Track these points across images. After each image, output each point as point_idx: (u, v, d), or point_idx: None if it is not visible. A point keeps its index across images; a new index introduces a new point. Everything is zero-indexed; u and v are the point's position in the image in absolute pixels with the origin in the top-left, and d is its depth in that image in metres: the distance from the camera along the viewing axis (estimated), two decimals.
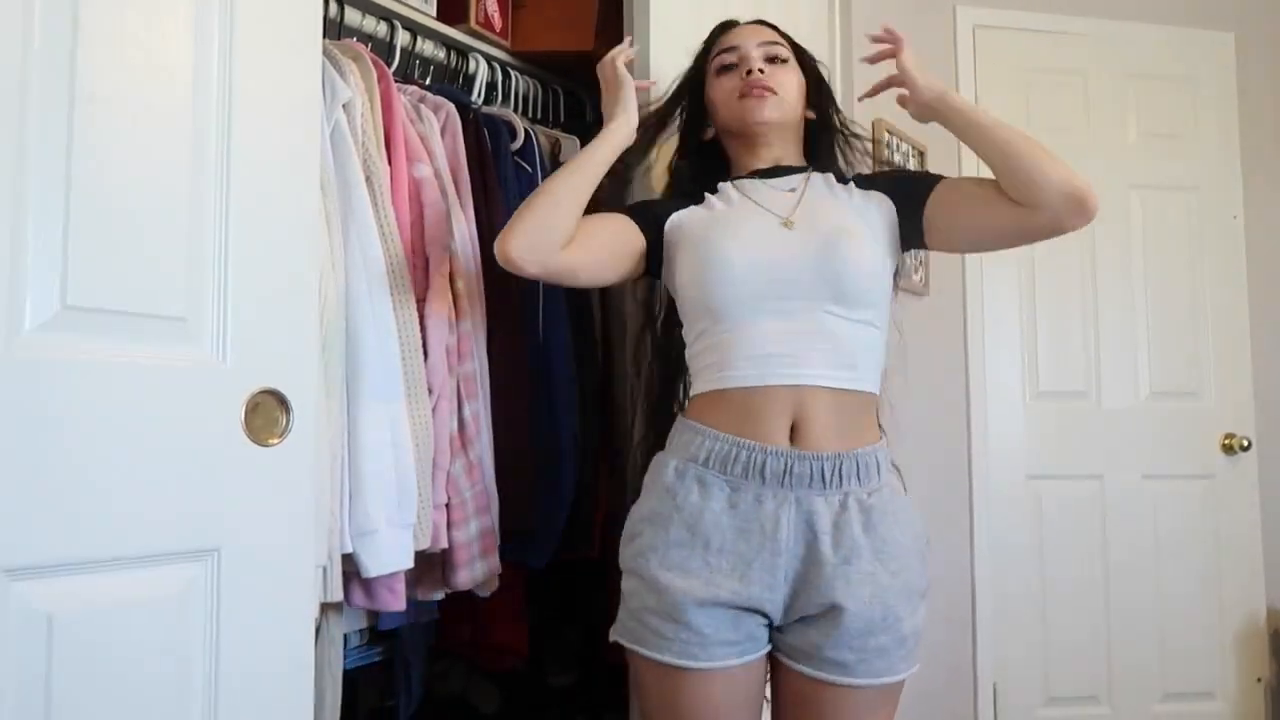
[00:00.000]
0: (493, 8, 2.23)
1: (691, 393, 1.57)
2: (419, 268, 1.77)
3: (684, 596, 1.40)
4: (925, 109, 1.60)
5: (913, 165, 2.98)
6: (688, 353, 1.59)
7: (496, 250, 1.52)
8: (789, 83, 1.66)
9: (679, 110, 1.79)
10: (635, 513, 1.53)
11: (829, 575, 1.41)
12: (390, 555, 1.61)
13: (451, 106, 1.94)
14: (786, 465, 1.43)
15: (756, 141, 1.66)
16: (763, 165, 1.67)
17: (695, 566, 1.42)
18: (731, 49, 1.68)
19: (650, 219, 1.64)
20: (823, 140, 1.76)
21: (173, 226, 1.26)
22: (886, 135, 2.82)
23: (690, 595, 1.40)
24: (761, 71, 1.63)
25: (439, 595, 1.83)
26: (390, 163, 1.73)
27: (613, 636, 1.49)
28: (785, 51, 1.69)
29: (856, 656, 1.41)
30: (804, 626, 1.44)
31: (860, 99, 1.83)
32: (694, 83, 1.75)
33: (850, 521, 1.43)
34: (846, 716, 1.44)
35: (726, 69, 1.67)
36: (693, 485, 1.46)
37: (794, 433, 1.45)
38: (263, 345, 1.35)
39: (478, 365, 1.85)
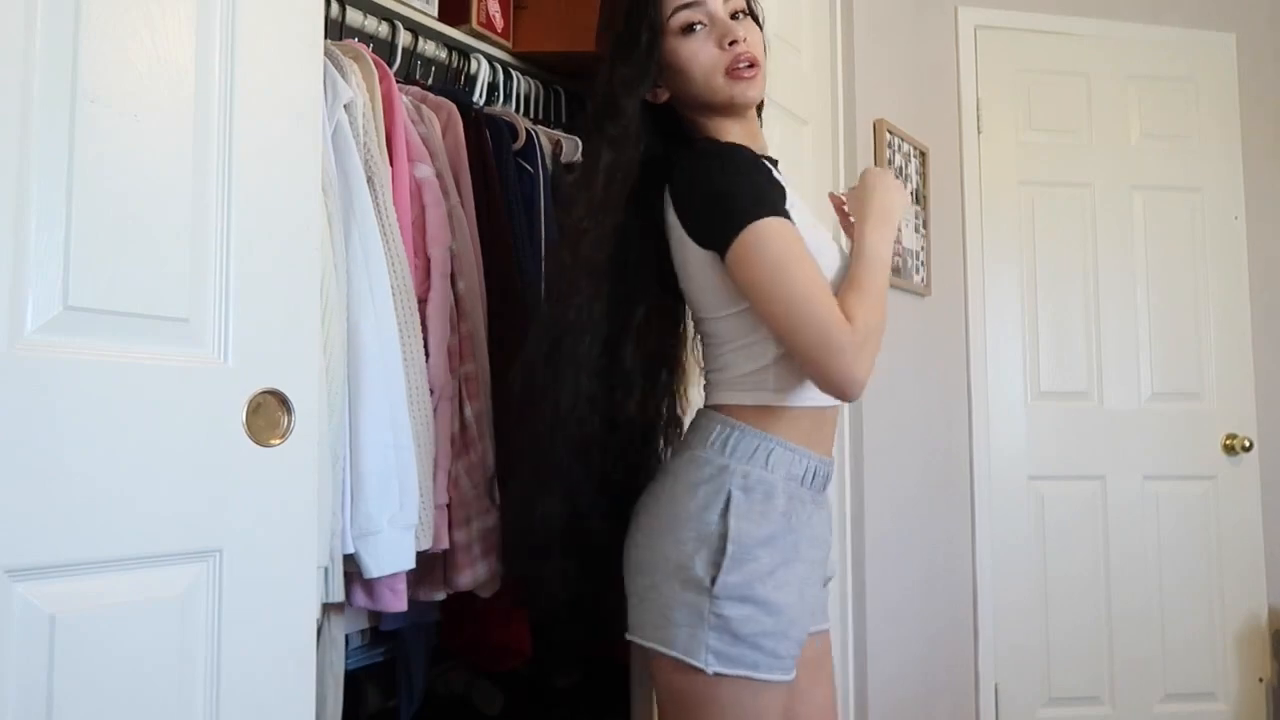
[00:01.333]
0: (494, 8, 2.23)
1: (752, 401, 1.45)
2: (420, 268, 1.77)
3: (801, 615, 1.41)
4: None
5: (914, 167, 2.98)
6: (743, 358, 1.46)
7: (849, 381, 1.35)
8: (759, 44, 1.51)
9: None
10: (745, 535, 1.38)
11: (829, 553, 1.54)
12: (392, 556, 1.61)
13: (453, 107, 1.95)
14: (830, 474, 1.51)
15: (739, 119, 1.53)
16: (766, 152, 1.56)
17: (809, 586, 1.45)
18: (694, 5, 1.48)
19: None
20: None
21: (174, 227, 1.26)
22: (889, 135, 2.82)
23: (806, 612, 1.42)
24: (745, 40, 1.47)
25: (441, 596, 1.83)
26: (392, 163, 1.73)
27: (714, 669, 1.35)
28: (744, 3, 1.53)
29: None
30: None
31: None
32: (647, 39, 1.49)
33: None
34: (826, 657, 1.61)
35: (691, 29, 1.48)
36: (798, 507, 1.44)
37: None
38: (264, 346, 1.35)
39: (479, 366, 1.85)
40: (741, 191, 1.40)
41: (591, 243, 1.46)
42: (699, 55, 1.48)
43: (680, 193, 1.45)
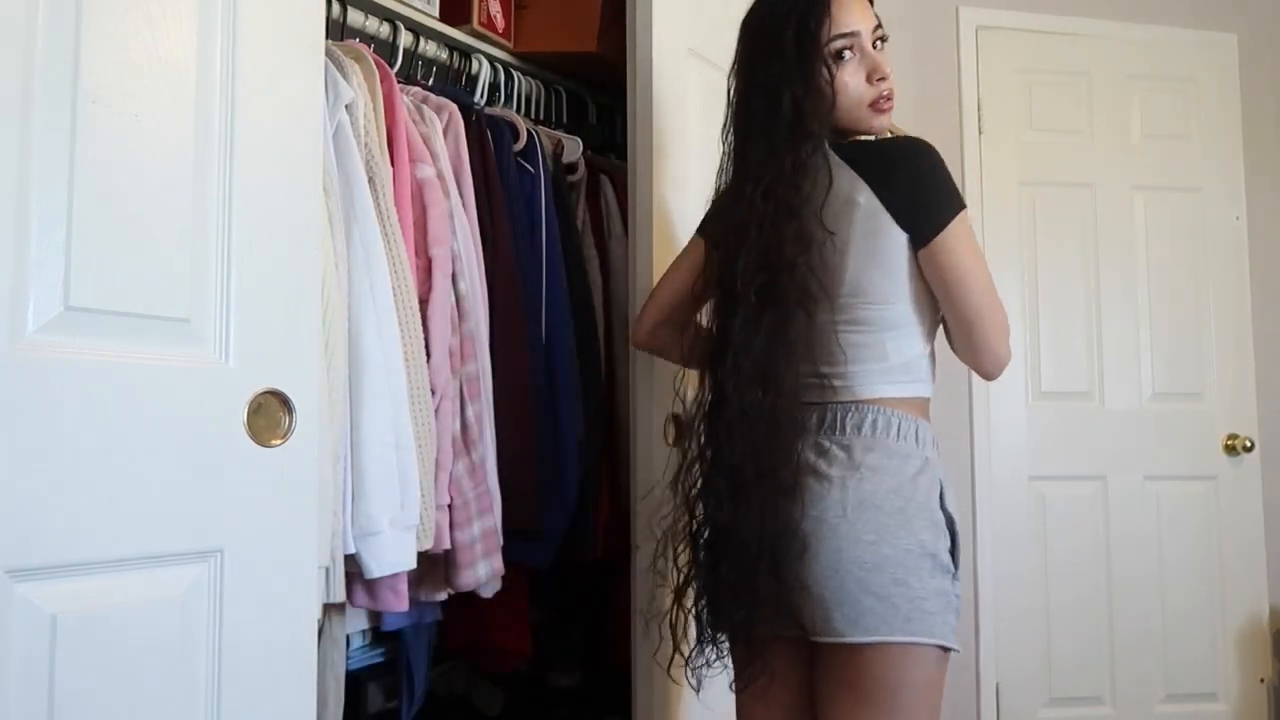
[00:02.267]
0: (495, 9, 2.23)
1: (908, 394, 1.51)
2: (422, 268, 1.77)
3: None
4: None
5: None
6: (905, 345, 1.51)
7: (1006, 364, 1.53)
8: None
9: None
10: (957, 520, 1.49)
11: None
12: (393, 556, 1.61)
13: (454, 107, 1.94)
14: None
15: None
16: None
17: None
18: (851, 34, 1.51)
19: None
20: None
21: (176, 228, 1.26)
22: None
23: None
24: (889, 75, 1.54)
25: (442, 596, 1.83)
26: (393, 163, 1.73)
27: (954, 646, 1.43)
28: (882, 30, 1.58)
29: None
30: None
31: None
32: (828, 69, 1.50)
33: None
34: None
35: (841, 56, 1.51)
36: None
37: None
38: (265, 346, 1.35)
39: (481, 366, 1.85)
40: (952, 182, 1.50)
41: (811, 271, 1.45)
42: (849, 85, 1.52)
43: (891, 180, 1.47)
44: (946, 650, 1.42)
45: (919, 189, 1.47)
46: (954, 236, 1.45)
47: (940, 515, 1.45)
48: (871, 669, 1.39)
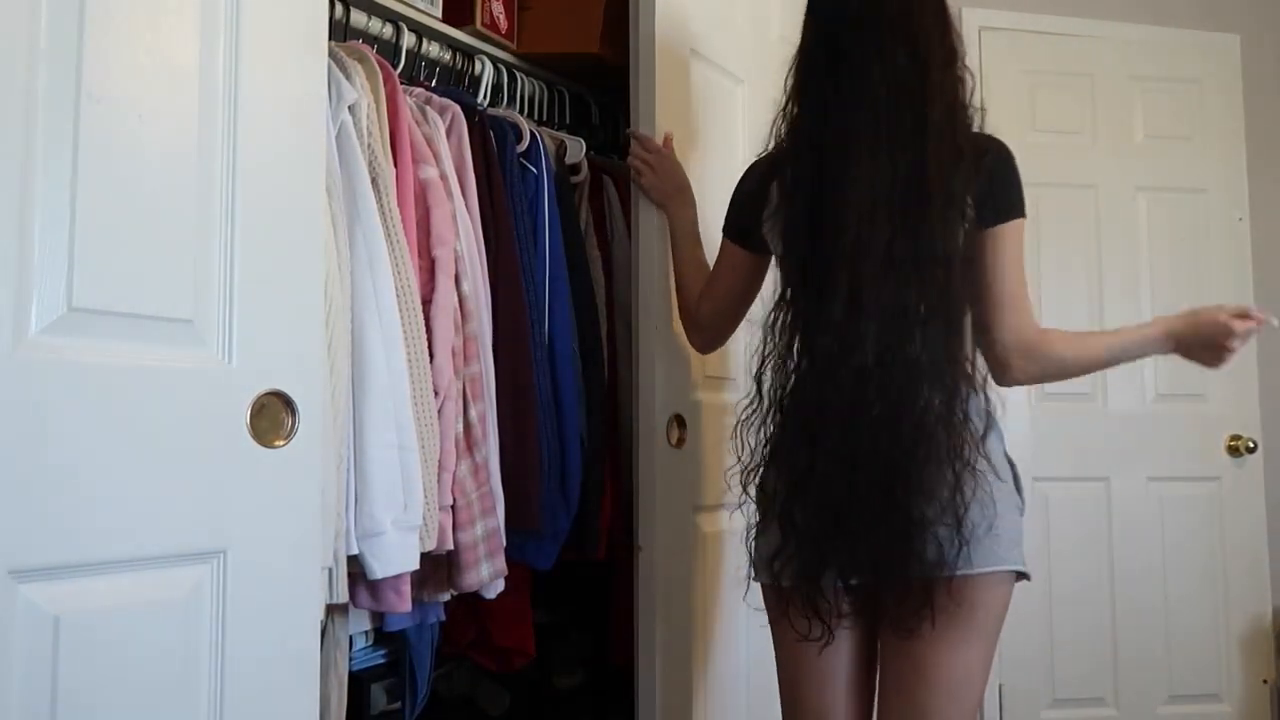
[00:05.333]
0: (498, 9, 2.23)
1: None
2: (424, 269, 1.77)
3: None
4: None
5: None
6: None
7: (1024, 370, 1.64)
8: None
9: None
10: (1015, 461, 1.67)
11: None
12: (396, 557, 1.61)
13: (457, 108, 1.94)
14: None
15: None
16: None
17: None
18: None
19: None
20: None
21: (179, 228, 1.26)
22: None
23: None
24: None
25: (445, 597, 1.83)
26: (396, 164, 1.73)
27: (1028, 571, 1.60)
28: None
29: None
30: None
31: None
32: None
33: None
34: None
35: None
36: None
37: None
38: (268, 347, 1.35)
39: (484, 366, 1.85)
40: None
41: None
42: None
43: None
44: (1023, 576, 1.59)
45: (1009, 181, 1.68)
46: (1016, 228, 1.62)
47: (1008, 461, 1.62)
48: (969, 594, 1.52)
